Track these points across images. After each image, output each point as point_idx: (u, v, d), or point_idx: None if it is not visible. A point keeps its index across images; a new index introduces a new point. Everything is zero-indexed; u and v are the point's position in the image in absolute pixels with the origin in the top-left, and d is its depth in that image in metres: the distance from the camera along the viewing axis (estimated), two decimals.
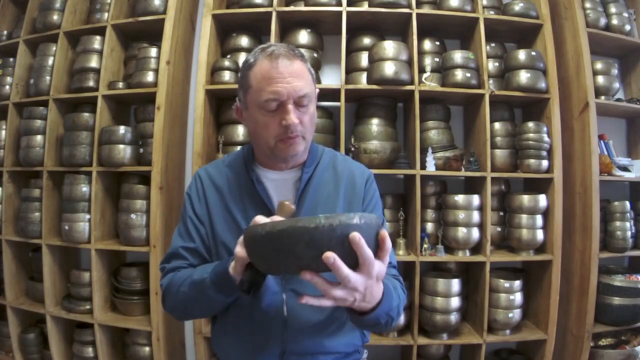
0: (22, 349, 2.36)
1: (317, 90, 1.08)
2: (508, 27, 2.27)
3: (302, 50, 2.19)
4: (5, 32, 2.57)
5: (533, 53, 2.13)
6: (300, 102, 0.96)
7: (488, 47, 2.26)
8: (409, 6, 2.16)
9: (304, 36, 2.26)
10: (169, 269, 1.06)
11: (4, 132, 2.39)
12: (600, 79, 2.27)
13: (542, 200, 2.10)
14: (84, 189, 2.17)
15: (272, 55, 0.95)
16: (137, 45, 2.35)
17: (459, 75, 2.11)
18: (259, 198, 1.04)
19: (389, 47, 2.07)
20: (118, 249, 2.16)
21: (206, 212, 1.08)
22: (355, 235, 0.67)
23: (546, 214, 2.14)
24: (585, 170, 2.15)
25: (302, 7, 2.20)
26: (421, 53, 2.28)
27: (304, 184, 1.05)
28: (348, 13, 2.14)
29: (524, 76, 2.11)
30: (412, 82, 2.09)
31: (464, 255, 2.10)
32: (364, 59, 2.23)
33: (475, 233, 2.07)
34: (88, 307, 2.18)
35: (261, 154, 1.07)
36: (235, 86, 2.12)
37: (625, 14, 2.33)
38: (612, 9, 2.32)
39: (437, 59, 2.27)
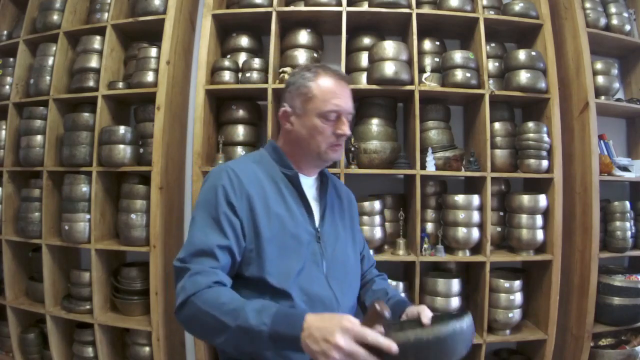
0: (22, 349, 2.36)
1: None
2: (508, 27, 2.27)
3: (302, 51, 2.22)
4: (5, 32, 2.56)
5: (533, 53, 2.13)
6: (348, 118, 1.16)
7: (488, 47, 2.26)
8: (409, 6, 2.16)
9: (304, 36, 2.26)
10: (196, 272, 0.97)
11: (4, 132, 2.39)
12: (600, 79, 2.27)
13: (542, 200, 2.10)
14: (84, 189, 2.17)
15: (336, 75, 1.15)
16: (137, 45, 2.34)
17: (459, 75, 2.11)
18: (301, 193, 1.16)
19: (389, 47, 2.07)
20: (118, 249, 2.16)
21: (247, 207, 1.06)
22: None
23: (546, 214, 2.14)
24: (585, 170, 2.15)
25: (302, 7, 2.20)
26: (421, 53, 2.28)
27: (327, 187, 1.23)
28: (348, 13, 2.14)
29: (524, 76, 2.11)
30: (412, 82, 2.09)
31: (464, 255, 2.10)
32: (364, 59, 2.23)
33: (475, 233, 2.07)
34: (88, 307, 2.18)
35: (300, 157, 1.18)
36: (236, 86, 2.15)
37: (625, 14, 2.33)
38: (612, 9, 2.32)
39: (437, 59, 2.27)
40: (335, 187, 1.30)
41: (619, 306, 2.11)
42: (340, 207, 1.28)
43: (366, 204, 2.07)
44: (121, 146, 2.11)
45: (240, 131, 2.24)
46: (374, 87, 2.09)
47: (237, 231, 1.04)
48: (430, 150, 2.10)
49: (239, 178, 1.08)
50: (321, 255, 1.13)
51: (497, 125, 2.22)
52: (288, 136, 1.18)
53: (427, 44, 2.31)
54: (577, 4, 2.18)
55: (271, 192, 1.11)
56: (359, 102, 2.30)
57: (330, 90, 1.12)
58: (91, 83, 2.23)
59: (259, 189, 1.10)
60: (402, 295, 1.43)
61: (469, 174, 2.11)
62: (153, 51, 2.22)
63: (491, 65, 2.26)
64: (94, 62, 2.25)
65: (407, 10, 2.14)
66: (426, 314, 1.00)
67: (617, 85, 2.32)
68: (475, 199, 2.07)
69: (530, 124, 2.12)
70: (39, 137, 2.26)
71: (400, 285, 2.08)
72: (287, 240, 1.07)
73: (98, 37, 2.28)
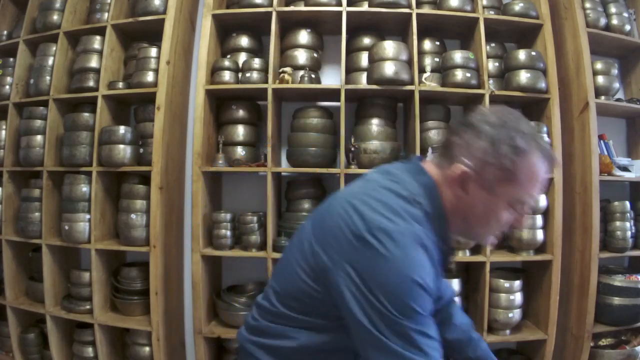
0: (22, 349, 2.36)
1: None
2: (508, 27, 2.27)
3: (302, 50, 2.22)
4: (5, 32, 2.56)
5: (533, 53, 2.13)
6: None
7: (488, 47, 2.25)
8: (409, 6, 2.16)
9: (304, 36, 2.26)
10: None
11: (4, 132, 2.39)
12: (600, 79, 2.27)
13: (542, 200, 2.10)
14: (84, 189, 2.17)
15: (550, 159, 0.87)
16: (137, 45, 2.34)
17: (459, 75, 2.10)
18: (438, 271, 0.90)
19: (389, 47, 2.07)
20: (118, 249, 2.16)
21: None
22: None
23: (546, 214, 2.14)
24: (585, 170, 2.15)
25: (302, 7, 2.20)
26: (421, 53, 2.28)
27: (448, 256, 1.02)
28: (348, 13, 2.13)
29: (524, 76, 2.11)
30: (412, 82, 2.09)
31: (464, 255, 2.10)
32: (364, 59, 2.23)
33: None
34: (88, 307, 2.18)
35: (455, 227, 0.92)
36: (236, 86, 2.15)
37: (625, 14, 2.33)
38: (612, 9, 2.32)
39: (437, 59, 2.26)
40: None
41: (619, 306, 2.11)
42: None
43: None
44: (121, 146, 2.11)
45: (240, 131, 2.24)
46: (374, 87, 2.09)
47: None
48: (430, 150, 2.10)
49: (432, 259, 0.83)
50: None
51: None
52: (455, 201, 0.89)
53: (427, 44, 2.31)
54: (577, 4, 2.18)
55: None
56: (359, 102, 2.31)
57: (537, 180, 0.85)
58: (91, 83, 2.23)
59: (434, 264, 0.86)
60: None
61: None
62: (153, 51, 2.22)
63: (491, 65, 2.26)
64: (94, 62, 2.25)
65: (407, 10, 2.14)
66: None
67: (617, 85, 2.31)
68: None
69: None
70: (39, 137, 2.26)
71: None
72: None
73: (98, 37, 2.28)
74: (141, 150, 2.21)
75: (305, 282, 0.89)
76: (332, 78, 2.43)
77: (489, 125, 0.85)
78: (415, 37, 2.12)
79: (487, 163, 0.84)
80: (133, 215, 2.11)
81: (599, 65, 2.27)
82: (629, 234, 2.21)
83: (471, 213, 0.89)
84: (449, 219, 0.90)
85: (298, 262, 0.92)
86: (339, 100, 2.10)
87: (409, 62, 2.11)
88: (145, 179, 2.19)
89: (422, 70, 2.22)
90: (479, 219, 0.89)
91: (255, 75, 2.15)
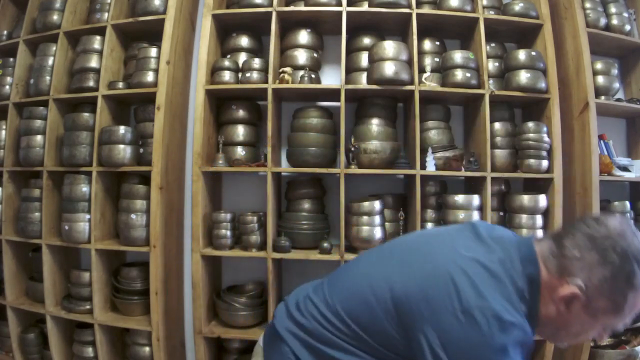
0: (22, 349, 2.36)
1: None
2: (508, 27, 2.27)
3: (302, 51, 2.22)
4: (5, 32, 2.57)
5: (533, 53, 2.13)
6: None
7: (488, 47, 2.26)
8: (409, 6, 2.16)
9: (304, 36, 2.26)
10: None
11: (4, 132, 2.39)
12: (600, 79, 2.27)
13: (542, 200, 2.10)
14: (84, 189, 2.17)
15: None
16: (137, 45, 2.34)
17: (459, 75, 2.10)
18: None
19: (389, 47, 2.07)
20: (118, 249, 2.16)
21: None
22: None
23: (546, 214, 2.14)
24: (585, 171, 2.15)
25: (302, 7, 2.20)
26: (421, 53, 2.28)
27: None
28: (348, 13, 2.14)
29: (524, 76, 2.11)
30: (412, 82, 2.09)
31: None
32: (364, 59, 2.23)
33: None
34: (88, 307, 2.18)
35: (544, 333, 0.91)
36: (236, 86, 2.15)
37: (625, 14, 2.33)
38: (612, 9, 2.32)
39: (437, 59, 2.27)
40: None
41: None
42: None
43: (366, 204, 2.07)
44: (121, 146, 2.11)
45: (240, 131, 2.24)
46: (374, 87, 2.09)
47: None
48: (430, 150, 2.10)
49: (524, 356, 0.83)
50: None
51: (497, 125, 2.22)
52: (554, 314, 0.87)
53: (427, 44, 2.31)
54: (577, 4, 2.18)
55: None
56: (359, 102, 2.30)
57: (636, 310, 0.85)
58: (91, 83, 2.23)
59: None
60: None
61: (469, 174, 2.10)
62: (153, 51, 2.22)
63: (491, 65, 2.26)
64: (94, 62, 2.25)
65: (407, 10, 2.14)
66: None
67: (617, 85, 2.31)
68: (475, 199, 2.07)
69: (530, 124, 2.12)
70: (39, 137, 2.26)
71: None
72: None
73: (98, 37, 2.28)
74: (141, 150, 2.21)
75: (385, 317, 0.88)
76: (332, 78, 2.43)
77: (616, 255, 0.81)
78: (415, 37, 2.12)
79: (602, 294, 0.82)
80: (133, 215, 2.11)
81: (599, 65, 2.27)
82: None
83: (565, 328, 0.88)
84: (539, 323, 0.88)
85: (382, 292, 0.90)
86: (339, 100, 2.10)
87: (409, 62, 2.11)
88: (145, 179, 2.19)
89: (422, 70, 2.22)
90: (570, 334, 0.89)
91: (255, 75, 2.15)
